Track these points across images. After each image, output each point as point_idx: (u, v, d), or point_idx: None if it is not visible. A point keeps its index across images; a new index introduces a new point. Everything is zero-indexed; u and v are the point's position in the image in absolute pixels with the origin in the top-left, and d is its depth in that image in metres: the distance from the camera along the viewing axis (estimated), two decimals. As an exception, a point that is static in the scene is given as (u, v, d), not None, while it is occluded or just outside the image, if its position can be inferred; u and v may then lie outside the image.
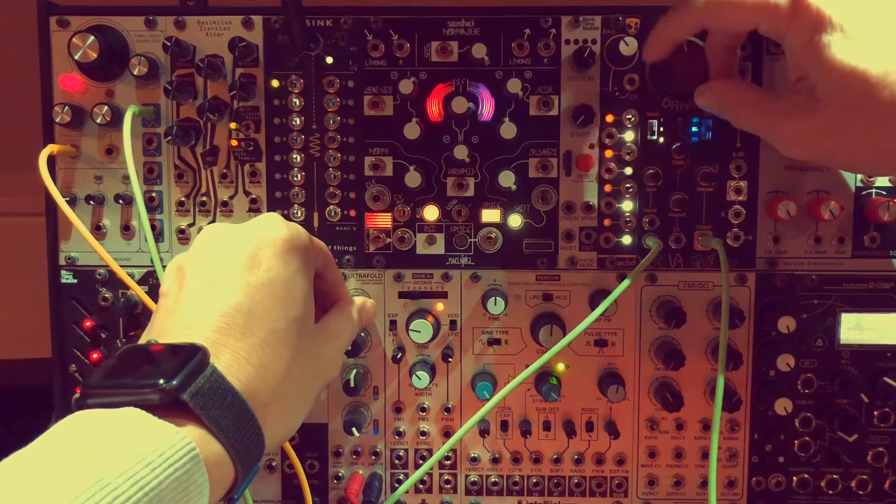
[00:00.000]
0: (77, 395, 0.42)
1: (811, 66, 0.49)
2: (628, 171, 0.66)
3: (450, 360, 0.68)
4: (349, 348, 0.63)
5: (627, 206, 0.66)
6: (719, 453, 0.68)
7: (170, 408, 0.41)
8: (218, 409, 0.42)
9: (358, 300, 0.62)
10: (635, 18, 0.64)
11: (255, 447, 0.45)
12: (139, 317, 0.67)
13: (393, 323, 0.68)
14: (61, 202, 0.63)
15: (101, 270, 0.67)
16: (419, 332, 0.66)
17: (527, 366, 0.63)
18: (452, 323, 0.68)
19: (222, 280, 0.48)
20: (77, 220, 0.63)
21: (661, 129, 0.65)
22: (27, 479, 0.36)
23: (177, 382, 0.41)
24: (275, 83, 0.66)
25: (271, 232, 0.52)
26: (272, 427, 0.47)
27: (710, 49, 0.60)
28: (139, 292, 0.64)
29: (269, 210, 0.67)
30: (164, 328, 0.47)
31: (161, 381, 0.41)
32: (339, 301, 0.60)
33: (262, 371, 0.47)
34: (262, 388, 0.46)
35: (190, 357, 0.43)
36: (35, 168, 0.63)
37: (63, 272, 0.68)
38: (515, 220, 0.66)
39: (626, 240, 0.66)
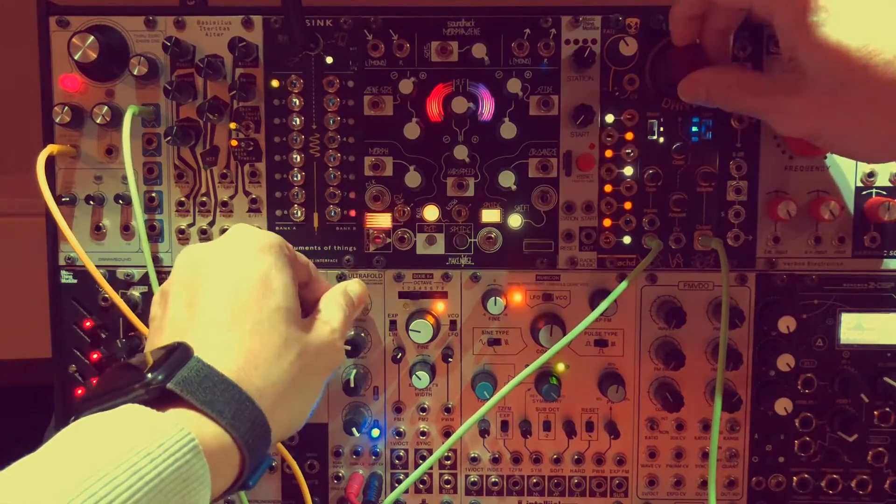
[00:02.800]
0: (73, 417, 0.43)
1: (799, 46, 0.50)
2: (628, 171, 0.66)
3: (450, 360, 0.68)
4: (348, 347, 0.63)
5: (627, 206, 0.66)
6: (719, 453, 0.68)
7: (161, 401, 0.42)
8: (208, 394, 0.43)
9: (340, 285, 0.60)
10: (635, 18, 0.64)
11: (257, 429, 0.45)
12: (139, 317, 0.67)
13: (393, 323, 0.68)
14: (54, 208, 0.63)
15: (101, 271, 0.67)
16: (419, 332, 0.66)
17: (527, 366, 0.63)
18: (452, 323, 0.68)
19: (203, 289, 0.49)
20: (67, 230, 0.63)
21: (661, 129, 0.65)
22: (28, 478, 0.36)
23: (162, 376, 0.42)
24: (275, 83, 0.66)
25: (243, 238, 0.53)
26: (275, 413, 0.47)
27: (704, 35, 0.60)
28: (121, 304, 0.64)
29: (268, 210, 0.67)
30: (154, 344, 0.48)
31: (147, 377, 0.42)
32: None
33: (252, 358, 0.47)
34: (255, 374, 0.47)
35: (171, 353, 0.44)
36: (35, 168, 0.63)
37: (63, 272, 0.68)
38: (515, 220, 0.66)
39: (626, 240, 0.66)
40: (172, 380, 0.42)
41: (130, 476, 0.36)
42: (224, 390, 0.44)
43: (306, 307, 0.58)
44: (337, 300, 0.59)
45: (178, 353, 0.44)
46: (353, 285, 0.62)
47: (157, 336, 0.49)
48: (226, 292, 0.49)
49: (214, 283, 0.50)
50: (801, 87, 0.51)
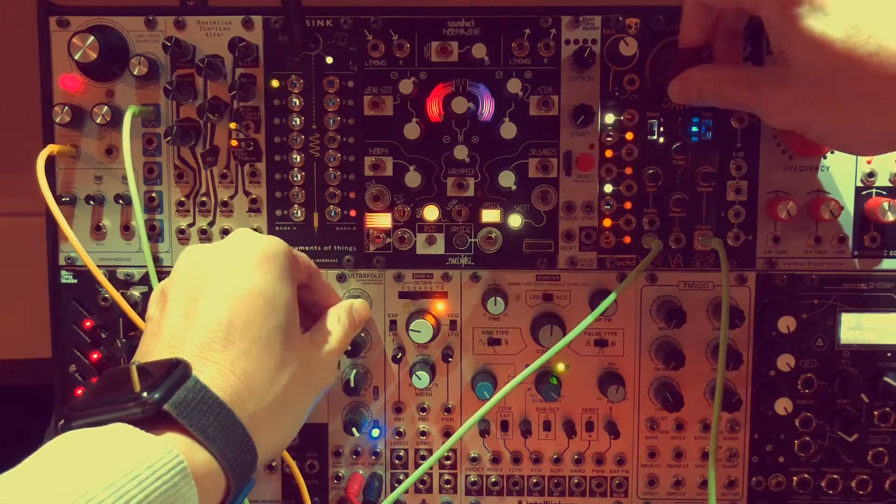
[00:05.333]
0: (62, 421, 0.42)
1: (784, 38, 0.50)
2: (628, 171, 0.66)
3: (450, 360, 0.68)
4: (348, 348, 0.63)
5: (627, 206, 0.66)
6: (719, 453, 0.68)
7: (154, 421, 0.41)
8: (203, 419, 0.42)
9: (346, 302, 0.61)
10: (635, 18, 0.64)
11: (245, 455, 0.44)
12: (140, 317, 0.67)
13: (393, 323, 0.68)
14: (54, 207, 0.63)
15: (101, 271, 0.67)
16: (419, 332, 0.66)
17: (527, 366, 0.63)
18: (452, 323, 0.68)
19: (202, 297, 0.49)
20: (68, 229, 0.63)
21: (661, 129, 0.65)
22: (11, 497, 0.35)
23: (158, 395, 0.41)
24: (275, 83, 0.66)
25: (246, 245, 0.52)
26: (264, 436, 0.47)
27: (716, 36, 0.60)
28: (122, 302, 0.64)
29: (268, 210, 0.67)
30: (149, 350, 0.48)
31: (144, 395, 0.41)
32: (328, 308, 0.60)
33: (247, 381, 0.47)
34: (249, 398, 0.46)
35: (171, 370, 0.43)
36: (35, 168, 0.63)
37: (63, 272, 0.68)
38: (515, 220, 0.66)
39: (627, 240, 0.66)
40: (169, 401, 0.41)
41: (117, 500, 0.36)
42: (217, 415, 0.43)
43: (306, 309, 0.58)
44: (340, 319, 0.59)
45: (176, 373, 0.43)
46: (359, 305, 0.62)
47: (153, 340, 0.48)
48: (225, 306, 0.48)
49: (214, 294, 0.49)
50: (788, 79, 0.51)
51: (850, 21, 0.47)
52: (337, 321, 0.58)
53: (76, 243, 0.63)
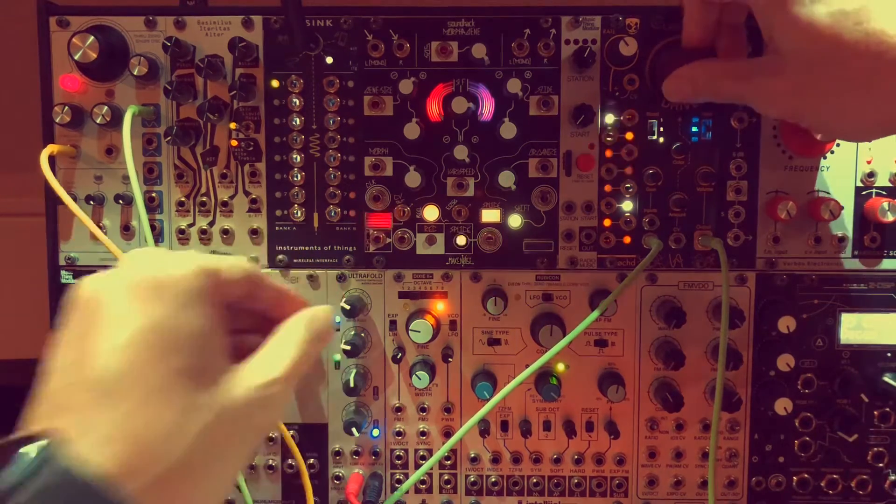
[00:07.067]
0: None
1: (773, 25, 0.50)
2: (628, 171, 0.66)
3: (450, 360, 0.68)
4: (348, 349, 0.62)
5: (627, 206, 0.66)
6: (719, 453, 0.68)
7: None
8: None
9: (305, 312, 0.46)
10: (635, 18, 0.64)
11: None
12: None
13: (393, 323, 0.68)
14: (66, 198, 0.63)
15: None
16: (419, 332, 0.66)
17: (527, 366, 0.63)
18: (452, 323, 0.68)
19: (88, 344, 0.39)
20: (82, 213, 0.63)
21: (661, 129, 0.65)
22: None
23: (5, 486, 0.34)
24: (275, 83, 0.66)
25: (139, 272, 0.41)
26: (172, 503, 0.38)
27: (719, 32, 0.60)
28: None
29: (268, 210, 0.67)
30: (35, 413, 0.40)
31: None
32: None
33: (136, 444, 0.37)
34: (140, 464, 0.37)
35: (24, 450, 0.35)
36: (35, 168, 0.63)
37: (63, 272, 0.68)
38: (515, 220, 0.66)
39: (626, 240, 0.66)
40: (16, 496, 0.33)
41: None
42: (90, 497, 0.35)
43: (259, 325, 0.47)
44: (294, 336, 0.44)
45: (40, 455, 0.35)
46: (324, 314, 0.47)
47: (40, 402, 0.40)
48: (114, 353, 0.38)
49: (102, 339, 0.39)
50: (779, 67, 0.51)
51: (838, 7, 0.47)
52: (288, 339, 0.44)
53: (89, 224, 0.63)
